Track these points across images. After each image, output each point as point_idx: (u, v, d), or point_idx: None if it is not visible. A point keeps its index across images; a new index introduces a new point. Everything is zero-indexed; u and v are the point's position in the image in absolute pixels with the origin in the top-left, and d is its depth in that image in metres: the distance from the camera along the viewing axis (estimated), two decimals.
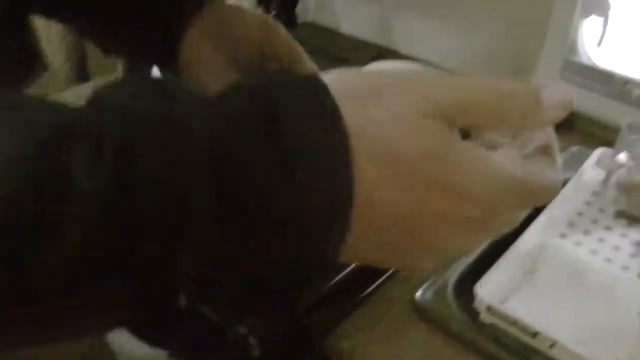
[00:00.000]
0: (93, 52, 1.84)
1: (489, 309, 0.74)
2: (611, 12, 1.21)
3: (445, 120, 0.34)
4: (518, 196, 0.37)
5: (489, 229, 0.38)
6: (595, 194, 0.97)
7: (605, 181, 0.93)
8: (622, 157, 0.92)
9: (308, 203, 0.31)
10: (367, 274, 0.83)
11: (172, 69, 0.64)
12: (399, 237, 0.35)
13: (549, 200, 0.43)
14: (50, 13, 0.71)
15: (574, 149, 1.11)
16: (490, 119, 0.37)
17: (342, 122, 0.31)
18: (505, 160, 0.36)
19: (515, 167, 0.36)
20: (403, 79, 0.36)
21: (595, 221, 0.93)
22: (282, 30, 0.62)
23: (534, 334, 0.72)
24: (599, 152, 1.03)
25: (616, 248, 0.89)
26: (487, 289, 0.76)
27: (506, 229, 0.41)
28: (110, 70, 1.71)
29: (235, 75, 0.61)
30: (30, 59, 0.69)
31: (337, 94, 0.32)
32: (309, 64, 0.62)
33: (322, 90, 0.32)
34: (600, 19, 1.21)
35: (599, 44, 1.22)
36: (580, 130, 1.20)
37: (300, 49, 0.62)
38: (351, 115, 0.32)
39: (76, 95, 1.94)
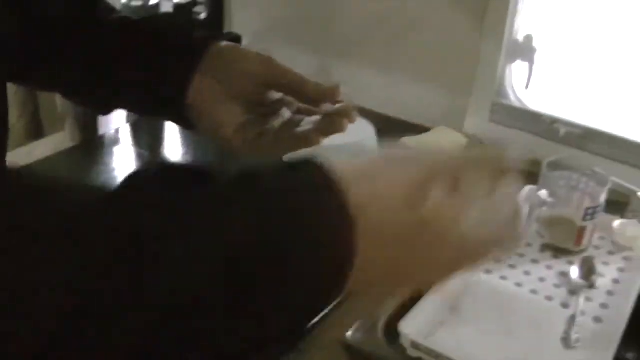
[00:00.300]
0: (45, 107, 1.86)
1: (414, 344, 0.77)
2: (536, 57, 1.27)
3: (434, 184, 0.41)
4: (487, 251, 0.44)
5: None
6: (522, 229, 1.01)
7: (528, 217, 0.97)
8: (543, 193, 0.97)
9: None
10: None
11: (177, 112, 0.65)
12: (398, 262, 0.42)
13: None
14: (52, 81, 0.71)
15: None
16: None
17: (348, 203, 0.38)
18: (480, 217, 0.42)
19: (486, 227, 0.43)
20: (402, 157, 0.44)
21: (521, 255, 0.97)
22: (280, 63, 0.65)
23: None
24: (526, 189, 1.07)
25: (541, 279, 0.92)
26: (411, 326, 0.78)
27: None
28: (61, 125, 1.73)
29: (240, 108, 0.64)
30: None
31: (344, 176, 0.39)
32: (313, 85, 0.65)
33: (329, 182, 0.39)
34: (526, 64, 1.28)
35: (526, 87, 1.28)
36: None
37: (300, 77, 0.65)
38: (356, 193, 0.38)
39: (30, 153, 1.95)
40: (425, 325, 0.80)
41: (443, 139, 1.27)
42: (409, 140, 1.25)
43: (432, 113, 1.33)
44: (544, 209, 0.96)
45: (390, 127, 1.30)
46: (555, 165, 1.00)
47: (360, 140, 1.03)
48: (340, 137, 1.01)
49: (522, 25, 1.25)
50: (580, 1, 1.23)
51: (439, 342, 0.77)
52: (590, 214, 0.96)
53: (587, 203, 0.96)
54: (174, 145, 1.25)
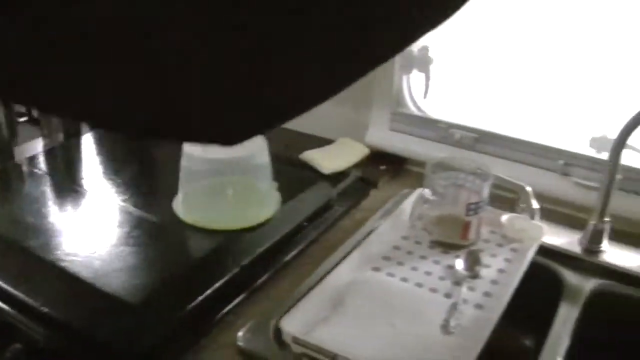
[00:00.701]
0: None
1: (295, 340, 0.81)
2: (432, 67, 1.34)
3: None
4: None
5: None
6: (413, 228, 1.06)
7: (411, 216, 1.02)
8: (427, 192, 1.02)
9: None
10: (195, 324, 0.89)
11: None
12: None
13: None
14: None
15: (406, 190, 1.21)
16: None
17: None
18: None
19: None
20: None
21: (410, 252, 1.01)
22: None
23: (333, 357, 0.78)
24: (419, 191, 1.12)
25: (428, 273, 0.97)
26: (293, 323, 0.82)
27: None
28: None
29: None
30: None
31: None
32: None
33: None
34: (423, 74, 1.34)
35: (424, 96, 1.34)
36: (413, 174, 1.31)
37: None
38: None
39: None
40: (307, 321, 0.84)
41: (346, 150, 1.32)
42: (313, 152, 1.30)
43: (337, 126, 1.38)
44: (426, 206, 1.01)
45: (297, 141, 1.35)
46: (439, 167, 1.05)
47: (252, 153, 1.07)
48: (232, 151, 1.05)
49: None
50: (472, 15, 1.30)
51: (319, 337, 0.81)
52: (473, 209, 1.01)
53: (471, 199, 1.02)
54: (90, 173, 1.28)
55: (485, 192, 1.03)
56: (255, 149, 1.06)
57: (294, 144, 1.34)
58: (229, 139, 0.31)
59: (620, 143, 1.03)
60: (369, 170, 1.29)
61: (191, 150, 1.06)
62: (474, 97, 1.31)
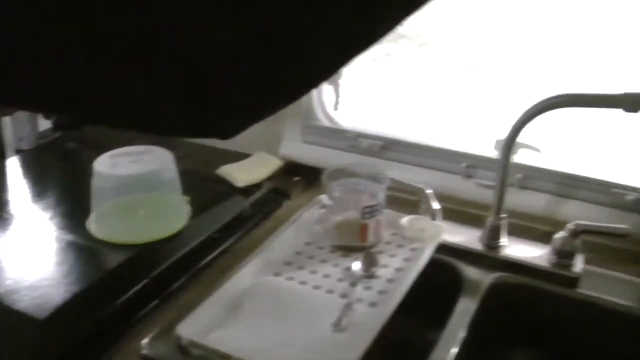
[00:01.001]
0: None
1: (191, 343, 0.85)
2: (341, 80, 1.40)
3: None
4: None
5: None
6: (315, 234, 1.11)
7: (314, 222, 1.07)
8: (324, 199, 1.07)
9: None
10: (102, 334, 0.93)
11: None
12: None
13: None
14: None
15: (317, 199, 1.26)
16: None
17: None
18: None
19: None
20: None
21: (312, 257, 1.06)
22: None
23: (228, 358, 0.83)
24: (318, 198, 1.18)
25: (326, 276, 1.02)
26: (190, 328, 0.86)
27: None
28: None
29: None
30: None
31: None
32: None
33: None
34: (332, 87, 1.40)
35: (335, 108, 1.40)
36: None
37: None
38: None
39: None
40: (204, 325, 0.88)
41: (260, 163, 1.37)
42: (229, 167, 1.35)
43: (253, 140, 1.42)
44: (324, 212, 1.06)
45: (215, 158, 1.40)
46: (339, 174, 1.11)
47: (159, 168, 1.12)
48: (139, 166, 1.10)
49: None
50: None
51: (215, 340, 0.85)
52: (369, 212, 1.07)
53: (367, 203, 1.07)
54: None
55: (381, 195, 1.09)
56: (163, 165, 1.11)
57: (213, 160, 1.38)
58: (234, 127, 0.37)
59: (508, 143, 1.10)
60: (282, 181, 1.34)
61: (100, 168, 1.10)
62: (388, 106, 1.38)
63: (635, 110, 1.03)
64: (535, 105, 1.05)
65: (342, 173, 1.11)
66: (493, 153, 1.28)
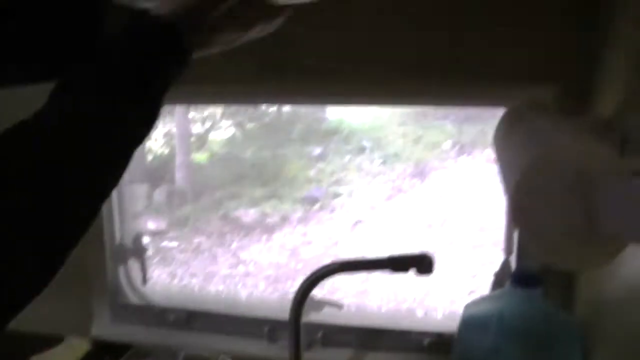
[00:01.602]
0: None
1: None
2: (147, 255, 1.46)
3: None
4: None
5: None
6: None
7: None
8: None
9: None
10: None
11: None
12: None
13: None
14: None
15: None
16: None
17: None
18: None
19: None
20: None
21: None
22: None
23: None
24: None
25: None
26: None
27: None
28: None
29: None
30: None
31: None
32: None
33: None
34: (139, 263, 1.45)
35: (143, 282, 1.44)
36: None
37: None
38: None
39: None
40: None
41: (69, 350, 1.37)
42: (38, 358, 1.34)
43: (64, 323, 1.43)
44: None
45: (24, 344, 1.37)
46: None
47: None
48: None
49: (128, 229, 1.43)
50: None
51: None
52: None
53: None
54: None
55: None
56: None
57: (22, 347, 1.36)
58: None
59: (297, 304, 1.18)
60: None
61: None
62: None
63: (405, 270, 1.16)
64: (311, 275, 1.16)
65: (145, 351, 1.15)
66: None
